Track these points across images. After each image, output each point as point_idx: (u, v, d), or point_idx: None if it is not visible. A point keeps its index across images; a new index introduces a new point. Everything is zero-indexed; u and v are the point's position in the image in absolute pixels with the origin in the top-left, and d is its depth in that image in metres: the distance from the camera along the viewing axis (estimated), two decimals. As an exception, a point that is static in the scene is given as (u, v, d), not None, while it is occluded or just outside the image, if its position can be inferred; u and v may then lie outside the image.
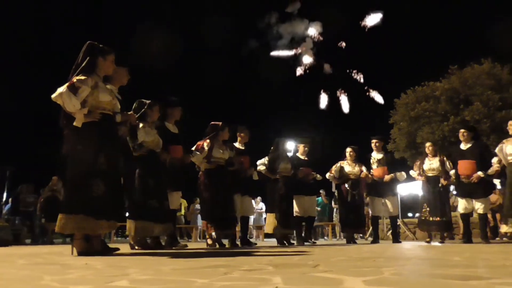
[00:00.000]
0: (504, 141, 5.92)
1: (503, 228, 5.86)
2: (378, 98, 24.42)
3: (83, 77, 3.25)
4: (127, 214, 4.40)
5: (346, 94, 25.44)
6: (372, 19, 23.96)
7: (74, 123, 3.23)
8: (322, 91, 25.57)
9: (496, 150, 5.93)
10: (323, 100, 25.76)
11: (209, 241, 5.51)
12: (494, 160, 6.01)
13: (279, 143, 6.34)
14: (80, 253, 3.17)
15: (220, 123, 5.58)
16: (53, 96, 3.18)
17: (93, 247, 3.24)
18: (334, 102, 25.74)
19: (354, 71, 25.28)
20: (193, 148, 5.40)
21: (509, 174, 5.77)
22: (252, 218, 13.66)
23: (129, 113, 3.78)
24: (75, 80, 3.22)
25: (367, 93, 24.54)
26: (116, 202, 3.37)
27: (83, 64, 3.33)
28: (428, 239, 6.47)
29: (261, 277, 1.58)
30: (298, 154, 6.76)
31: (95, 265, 2.21)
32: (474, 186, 6.02)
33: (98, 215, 3.16)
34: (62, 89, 3.17)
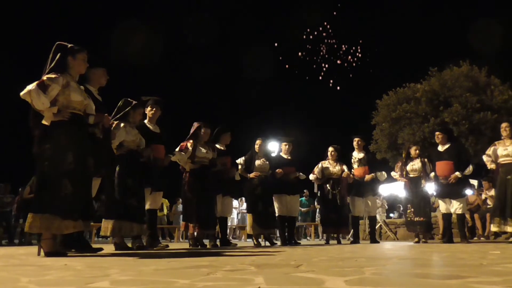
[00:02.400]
0: (495, 142, 6.07)
1: (493, 227, 5.97)
2: None
3: (53, 75, 3.20)
4: (102, 214, 4.34)
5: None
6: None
7: (43, 121, 3.18)
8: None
9: (490, 152, 6.03)
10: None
11: (192, 241, 5.51)
12: (487, 160, 6.08)
13: (255, 142, 6.33)
14: (48, 254, 3.11)
15: (200, 123, 5.57)
16: (21, 93, 3.10)
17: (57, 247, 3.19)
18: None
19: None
20: (177, 149, 5.38)
21: (500, 175, 5.88)
22: (235, 218, 13.68)
23: (105, 114, 3.72)
24: (45, 78, 3.17)
25: None
26: (84, 202, 3.29)
27: (52, 65, 3.28)
28: (416, 239, 6.57)
29: (244, 277, 1.58)
30: (281, 153, 6.76)
31: (75, 266, 2.17)
32: (451, 186, 6.13)
33: (65, 215, 3.09)
34: (31, 86, 3.10)
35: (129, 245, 4.51)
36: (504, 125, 5.99)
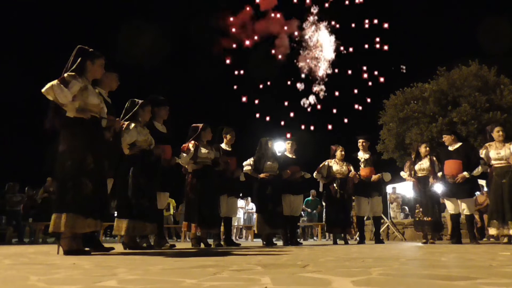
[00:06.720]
0: (486, 145, 6.04)
1: (491, 231, 5.94)
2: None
3: (73, 73, 3.29)
4: (115, 214, 4.37)
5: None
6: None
7: (67, 114, 3.24)
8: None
9: (482, 155, 6.02)
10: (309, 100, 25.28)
11: (193, 241, 5.52)
12: (482, 162, 6.10)
13: (263, 142, 6.31)
14: (67, 252, 3.15)
15: (201, 124, 5.59)
16: (43, 89, 3.16)
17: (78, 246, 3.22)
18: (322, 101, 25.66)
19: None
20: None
21: (495, 178, 5.85)
22: (242, 218, 13.70)
23: (116, 119, 3.81)
24: (65, 75, 3.25)
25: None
26: (102, 201, 3.38)
27: (72, 67, 3.37)
28: (424, 240, 6.53)
29: (250, 277, 1.58)
30: (286, 153, 6.75)
31: (83, 265, 2.18)
32: (459, 186, 6.09)
33: (86, 214, 3.17)
34: (52, 82, 3.17)
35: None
36: (497, 128, 6.00)
